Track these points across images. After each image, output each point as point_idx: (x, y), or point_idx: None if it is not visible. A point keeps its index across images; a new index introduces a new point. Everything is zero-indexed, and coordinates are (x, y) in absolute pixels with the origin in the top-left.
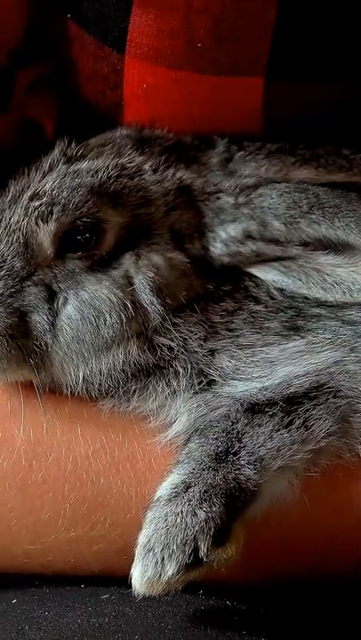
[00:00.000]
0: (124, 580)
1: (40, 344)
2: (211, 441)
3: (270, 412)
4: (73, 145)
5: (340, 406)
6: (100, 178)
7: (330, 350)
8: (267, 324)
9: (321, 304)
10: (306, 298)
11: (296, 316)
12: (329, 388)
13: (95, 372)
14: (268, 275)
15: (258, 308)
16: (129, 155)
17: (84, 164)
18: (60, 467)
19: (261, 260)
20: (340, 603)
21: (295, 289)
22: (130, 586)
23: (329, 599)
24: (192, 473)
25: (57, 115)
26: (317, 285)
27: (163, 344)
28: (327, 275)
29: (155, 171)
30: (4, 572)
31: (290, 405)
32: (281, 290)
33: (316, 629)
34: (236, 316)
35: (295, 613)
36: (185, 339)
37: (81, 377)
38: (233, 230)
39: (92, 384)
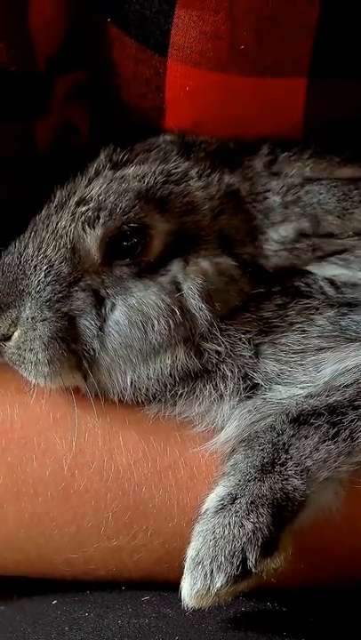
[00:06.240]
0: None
1: (88, 349)
2: (257, 452)
3: (316, 424)
4: (118, 150)
5: None
6: (147, 183)
7: None
8: (316, 322)
9: None
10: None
11: (344, 313)
12: None
13: (143, 377)
14: (326, 270)
15: (308, 304)
16: (175, 160)
17: (130, 170)
18: (102, 476)
19: (317, 256)
20: None
21: (357, 280)
22: (170, 588)
23: None
24: (238, 484)
25: (90, 122)
26: None
27: (210, 349)
28: None
29: (200, 176)
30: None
31: (335, 416)
32: (336, 287)
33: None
34: (286, 314)
35: (336, 617)
36: (232, 343)
37: (128, 382)
38: (285, 230)
39: (140, 389)
